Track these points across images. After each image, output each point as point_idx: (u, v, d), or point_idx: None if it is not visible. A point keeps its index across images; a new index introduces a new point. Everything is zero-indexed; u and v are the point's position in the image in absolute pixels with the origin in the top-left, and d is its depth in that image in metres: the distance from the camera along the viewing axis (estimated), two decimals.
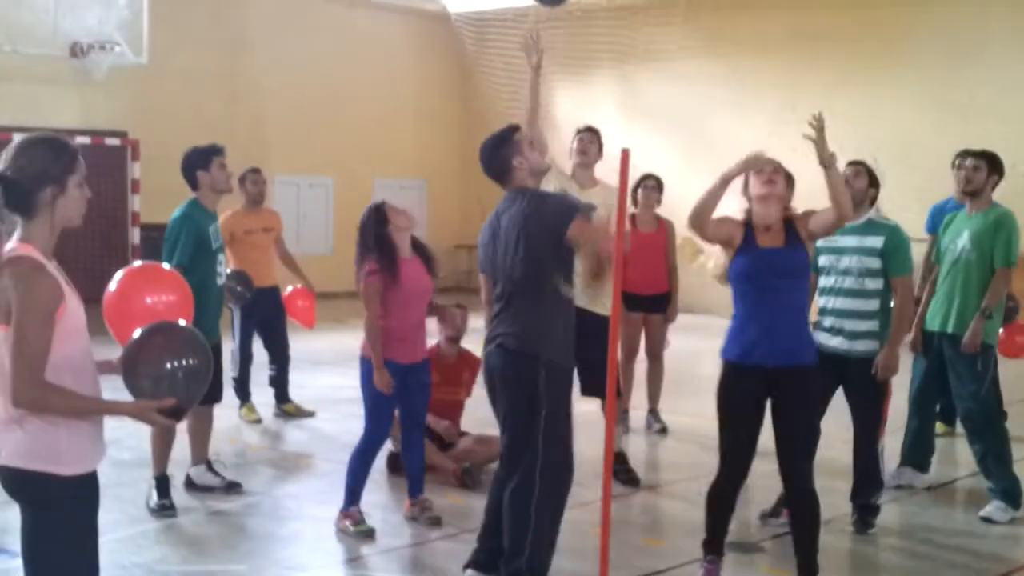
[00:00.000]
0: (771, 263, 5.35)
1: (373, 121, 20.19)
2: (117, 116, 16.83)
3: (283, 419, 9.51)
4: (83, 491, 3.50)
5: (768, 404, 5.40)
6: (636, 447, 8.36)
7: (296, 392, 9.78)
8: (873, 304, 6.32)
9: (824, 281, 6.45)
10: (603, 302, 7.03)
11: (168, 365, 3.51)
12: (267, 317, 9.42)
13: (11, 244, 3.42)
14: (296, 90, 19.16)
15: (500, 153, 5.39)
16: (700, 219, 5.36)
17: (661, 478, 8.06)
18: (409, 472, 6.74)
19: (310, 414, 9.64)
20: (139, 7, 16.04)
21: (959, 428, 8.05)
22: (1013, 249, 6.86)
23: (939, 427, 8.28)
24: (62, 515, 3.46)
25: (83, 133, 16.33)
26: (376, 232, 6.28)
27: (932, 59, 16.16)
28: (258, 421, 9.35)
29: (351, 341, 14.37)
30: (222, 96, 18.21)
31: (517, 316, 5.23)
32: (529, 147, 5.43)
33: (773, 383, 5.32)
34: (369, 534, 6.38)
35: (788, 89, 17.44)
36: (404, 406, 6.56)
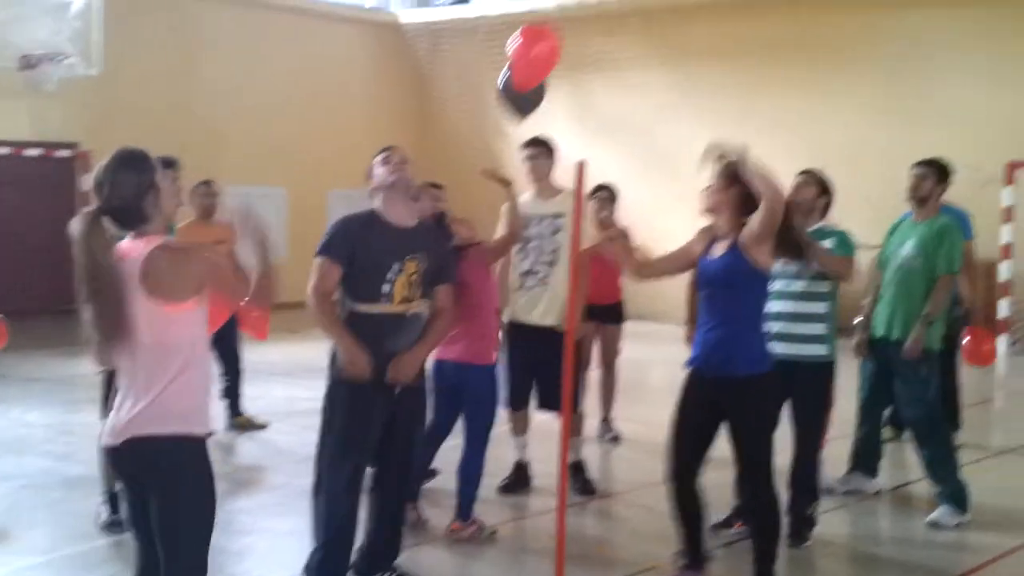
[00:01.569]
0: (707, 272, 5.45)
1: (327, 131, 20.14)
2: (69, 127, 16.72)
3: (235, 432, 9.46)
4: (207, 452, 3.87)
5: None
6: (589, 455, 8.38)
7: (249, 404, 9.74)
8: (821, 307, 6.38)
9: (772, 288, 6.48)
10: (553, 314, 7.09)
11: None
12: (219, 329, 9.37)
13: (133, 241, 3.80)
14: (250, 100, 19.09)
15: None
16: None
17: (615, 487, 8.09)
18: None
19: (262, 426, 9.60)
20: (90, 18, 15.92)
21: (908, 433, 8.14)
22: (956, 257, 6.96)
23: (887, 432, 8.36)
24: (199, 477, 3.83)
25: (34, 145, 16.24)
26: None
27: (883, 66, 16.34)
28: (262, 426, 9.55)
29: (305, 352, 14.46)
30: (176, 106, 18.11)
31: None
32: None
33: (719, 392, 5.39)
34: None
35: (742, 97, 17.59)
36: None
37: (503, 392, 6.98)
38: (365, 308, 5.31)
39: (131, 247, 3.80)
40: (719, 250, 5.43)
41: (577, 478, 7.45)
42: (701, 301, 5.52)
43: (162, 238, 3.84)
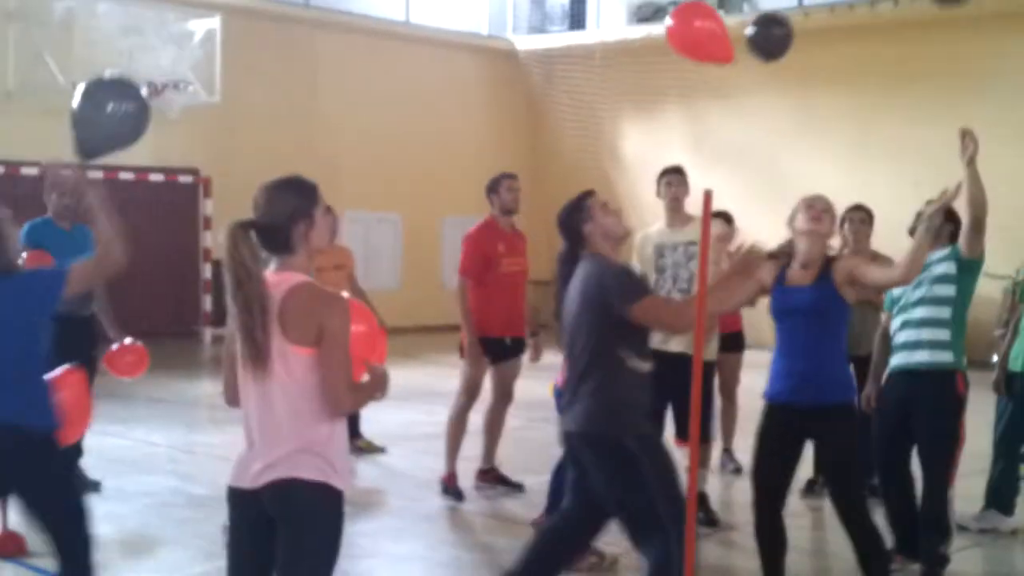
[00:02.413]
0: (792, 301, 5.39)
1: (441, 158, 20.29)
2: (190, 154, 17.09)
3: (355, 455, 9.50)
4: (342, 510, 3.85)
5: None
6: (711, 487, 8.25)
7: (367, 427, 9.79)
8: (946, 312, 6.13)
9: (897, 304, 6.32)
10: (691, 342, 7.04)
11: None
12: None
13: (275, 275, 3.76)
14: (366, 127, 19.32)
15: (571, 220, 5.27)
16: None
17: (736, 518, 7.93)
18: None
19: (381, 449, 9.64)
20: (212, 47, 16.29)
21: None
22: None
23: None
24: (336, 529, 3.81)
25: (157, 171, 16.63)
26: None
27: (1011, 90, 15.92)
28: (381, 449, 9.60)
29: (421, 376, 14.51)
30: (292, 133, 18.41)
31: (589, 390, 4.96)
32: (603, 211, 5.24)
33: (811, 422, 5.35)
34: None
35: (861, 124, 17.31)
36: None
37: None
38: (641, 363, 5.12)
39: (272, 281, 3.75)
40: (800, 278, 5.38)
41: (700, 509, 7.33)
42: (781, 331, 5.46)
43: (306, 276, 3.80)
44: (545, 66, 20.88)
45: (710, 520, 7.40)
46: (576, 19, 20.80)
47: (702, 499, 7.40)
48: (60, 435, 4.58)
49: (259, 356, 3.68)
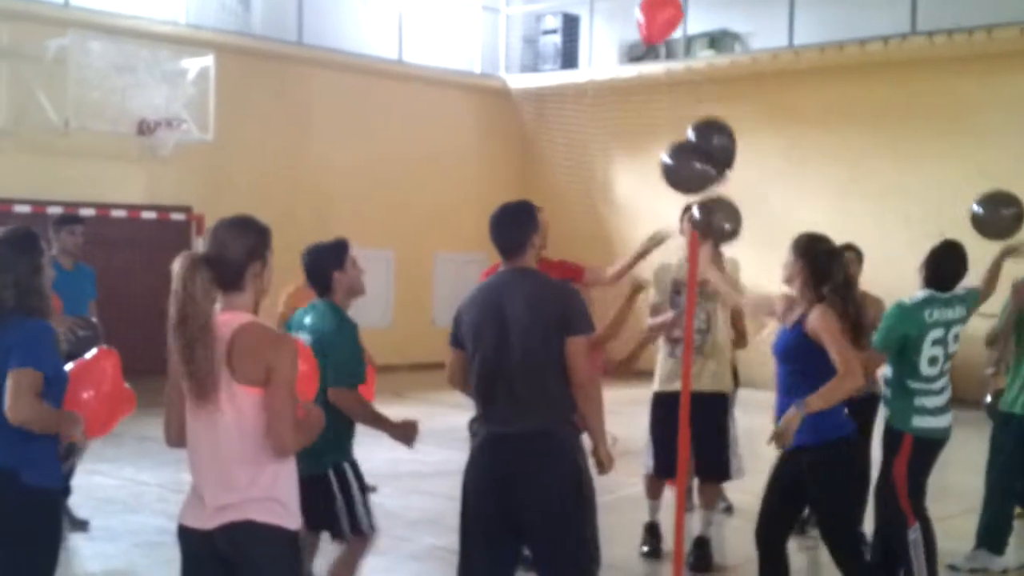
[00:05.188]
0: (776, 343, 5.58)
1: (434, 195, 20.32)
2: (183, 191, 17.10)
3: None
4: (298, 550, 3.85)
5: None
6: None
7: None
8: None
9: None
10: (708, 380, 7.10)
11: None
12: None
13: (223, 314, 3.75)
14: (359, 164, 19.35)
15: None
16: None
17: (728, 560, 7.90)
18: None
19: (372, 489, 9.56)
20: (206, 85, 16.33)
21: None
22: None
23: (1018, 509, 8.06)
24: (292, 570, 3.81)
25: (149, 208, 16.63)
26: None
27: (999, 132, 16.00)
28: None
29: (411, 415, 14.39)
30: (285, 171, 18.44)
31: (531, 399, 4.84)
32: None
33: (799, 462, 5.48)
34: None
35: (850, 163, 17.36)
36: None
37: (649, 460, 7.35)
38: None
39: (220, 320, 3.73)
40: (790, 320, 5.48)
41: (701, 552, 7.34)
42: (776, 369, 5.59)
43: (253, 316, 3.81)
44: (537, 104, 20.96)
45: (700, 565, 7.36)
46: (568, 58, 20.90)
47: (703, 543, 7.40)
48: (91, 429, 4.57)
49: (201, 392, 3.65)
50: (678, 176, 5.83)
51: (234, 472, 3.71)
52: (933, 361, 6.03)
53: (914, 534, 5.95)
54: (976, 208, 7.03)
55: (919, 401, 6.05)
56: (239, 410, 3.68)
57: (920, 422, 6.05)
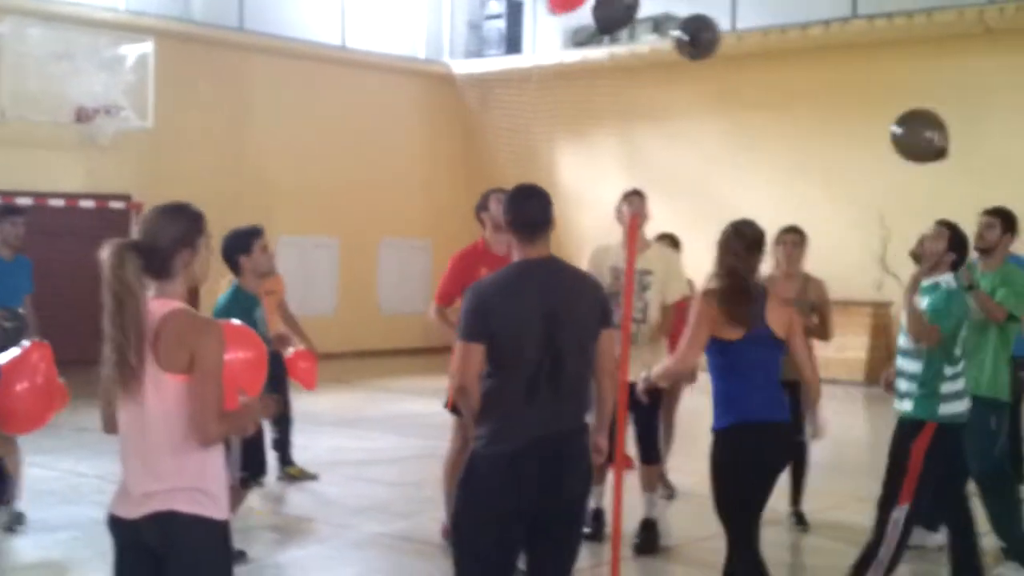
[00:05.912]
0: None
1: (378, 182, 20.23)
2: (122, 180, 16.89)
3: (286, 482, 9.40)
4: (228, 540, 3.79)
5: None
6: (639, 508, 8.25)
7: (298, 454, 9.69)
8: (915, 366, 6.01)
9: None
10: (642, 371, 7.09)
11: None
12: (269, 379, 9.32)
13: (152, 301, 3.68)
14: (301, 151, 19.22)
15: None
16: None
17: (668, 541, 7.91)
18: None
19: (314, 477, 9.54)
20: (145, 72, 16.14)
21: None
22: (1019, 300, 6.76)
23: None
24: (222, 561, 3.77)
25: (88, 197, 16.42)
26: None
27: (941, 114, 16.11)
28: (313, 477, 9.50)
29: (353, 402, 14.44)
30: (226, 158, 18.27)
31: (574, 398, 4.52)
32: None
33: None
34: None
35: (795, 146, 17.47)
36: None
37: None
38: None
39: (150, 306, 3.68)
40: None
41: (647, 535, 7.34)
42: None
43: (181, 304, 3.73)
44: (481, 90, 20.91)
45: (648, 547, 7.37)
46: (512, 43, 20.86)
47: (649, 525, 7.39)
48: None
49: (131, 380, 3.62)
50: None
51: (159, 461, 3.66)
52: (962, 343, 5.93)
53: (899, 513, 5.83)
54: (895, 129, 6.97)
55: (946, 388, 5.84)
56: (163, 398, 3.63)
57: (946, 409, 5.83)
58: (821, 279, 7.98)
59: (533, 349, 4.37)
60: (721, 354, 5.25)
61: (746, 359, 5.24)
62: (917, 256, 6.05)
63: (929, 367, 5.84)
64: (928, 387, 5.84)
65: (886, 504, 5.93)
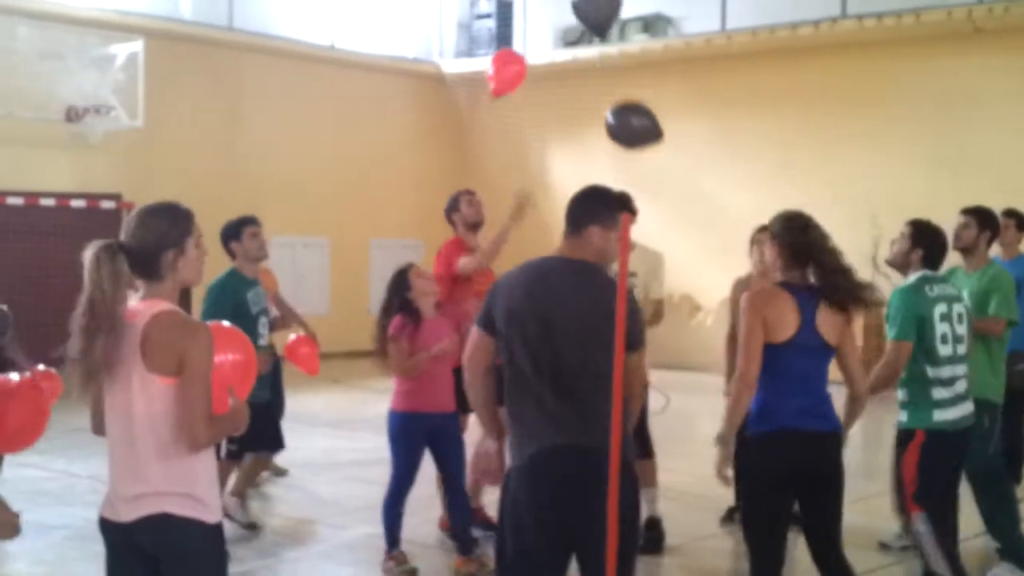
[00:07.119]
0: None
1: (370, 182, 20.21)
2: (112, 179, 16.84)
3: (279, 483, 9.38)
4: (222, 542, 3.77)
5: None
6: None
7: (292, 454, 9.66)
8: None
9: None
10: None
11: None
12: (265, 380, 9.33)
13: (141, 303, 3.68)
14: (292, 151, 19.19)
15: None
16: None
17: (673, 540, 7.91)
18: (455, 532, 6.92)
19: (283, 473, 9.53)
20: (135, 71, 16.11)
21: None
22: (1011, 303, 6.76)
23: None
24: (216, 563, 3.75)
25: (78, 196, 16.38)
26: (399, 297, 6.91)
27: (926, 114, 16.21)
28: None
29: (348, 403, 14.42)
30: (217, 158, 18.24)
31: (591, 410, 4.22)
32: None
33: None
34: (412, 574, 6.65)
35: (782, 147, 17.49)
36: (438, 462, 6.82)
37: None
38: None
39: (137, 309, 3.66)
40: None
41: (652, 534, 7.26)
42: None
43: (170, 304, 3.70)
44: (472, 89, 20.88)
45: (654, 546, 7.29)
46: (503, 43, 20.84)
47: (653, 523, 7.32)
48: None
49: (88, 376, 3.62)
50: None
51: (147, 464, 3.62)
52: (944, 339, 5.70)
53: (919, 524, 5.71)
54: (609, 117, 7.08)
55: (938, 393, 5.71)
56: (152, 401, 3.59)
57: (941, 415, 5.70)
58: None
59: (524, 349, 4.24)
60: (763, 358, 4.94)
61: (788, 364, 4.97)
62: (891, 263, 6.04)
63: (908, 370, 5.73)
64: (915, 393, 5.74)
65: (903, 516, 5.92)
